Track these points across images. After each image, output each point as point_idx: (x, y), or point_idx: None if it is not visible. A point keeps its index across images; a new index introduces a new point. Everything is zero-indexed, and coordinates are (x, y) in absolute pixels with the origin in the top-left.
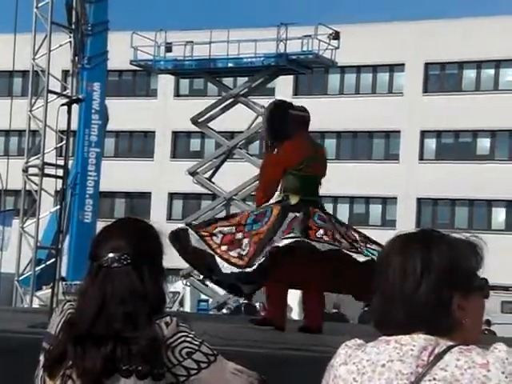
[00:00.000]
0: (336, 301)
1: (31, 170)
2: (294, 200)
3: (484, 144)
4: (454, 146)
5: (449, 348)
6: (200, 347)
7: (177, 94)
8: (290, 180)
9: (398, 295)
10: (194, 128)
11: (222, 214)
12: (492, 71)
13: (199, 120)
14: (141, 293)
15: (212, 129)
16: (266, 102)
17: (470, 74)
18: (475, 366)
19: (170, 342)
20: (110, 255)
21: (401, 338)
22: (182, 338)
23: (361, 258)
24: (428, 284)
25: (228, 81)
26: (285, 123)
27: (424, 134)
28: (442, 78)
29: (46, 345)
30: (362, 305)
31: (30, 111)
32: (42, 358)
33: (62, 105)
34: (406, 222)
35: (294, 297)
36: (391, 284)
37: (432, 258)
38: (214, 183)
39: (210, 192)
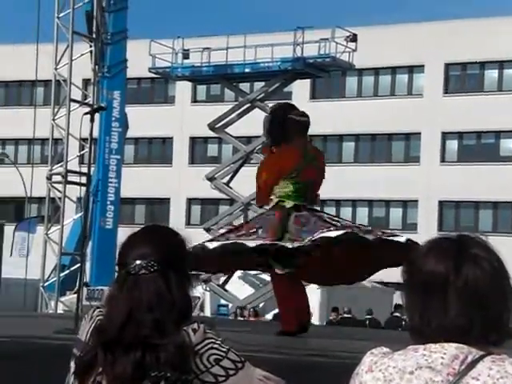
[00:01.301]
0: (369, 307)
1: (54, 178)
2: (288, 205)
3: (507, 145)
4: (477, 147)
5: (481, 357)
6: (228, 354)
7: (194, 100)
8: (284, 186)
9: (443, 303)
10: (211, 134)
11: (240, 219)
12: None
13: (216, 125)
14: (168, 299)
15: (229, 134)
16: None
17: (491, 74)
18: (508, 376)
19: (198, 349)
20: (137, 262)
21: (430, 346)
22: (210, 345)
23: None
24: (478, 290)
25: (245, 86)
26: (284, 127)
27: (445, 135)
28: (462, 78)
29: (77, 351)
30: (391, 310)
31: (53, 120)
32: (72, 364)
33: (86, 113)
34: (428, 226)
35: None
36: (432, 290)
37: (479, 259)
38: (231, 188)
39: (227, 197)
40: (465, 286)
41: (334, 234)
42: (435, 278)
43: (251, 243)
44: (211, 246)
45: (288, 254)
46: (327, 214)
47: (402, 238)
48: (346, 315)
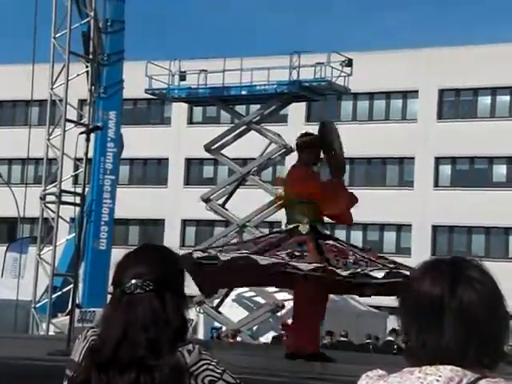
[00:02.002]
0: (362, 331)
1: (48, 198)
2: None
3: (500, 171)
4: (470, 172)
5: (476, 380)
6: (222, 375)
7: (190, 122)
8: (312, 209)
9: (439, 326)
10: (207, 155)
11: (235, 242)
12: (507, 97)
13: (212, 147)
14: (163, 319)
15: (225, 156)
16: (278, 128)
17: (484, 101)
18: None
19: (193, 370)
20: (133, 281)
21: (426, 368)
22: (205, 366)
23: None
24: (474, 314)
25: (241, 108)
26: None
27: (439, 160)
28: (456, 104)
29: (70, 372)
30: (385, 334)
31: (48, 140)
32: None
33: (81, 133)
34: (421, 250)
35: None
36: (428, 313)
37: (474, 282)
38: (227, 210)
39: (223, 219)
40: (460, 308)
41: (379, 275)
42: (430, 300)
43: (304, 266)
44: (261, 261)
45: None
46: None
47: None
48: (342, 339)
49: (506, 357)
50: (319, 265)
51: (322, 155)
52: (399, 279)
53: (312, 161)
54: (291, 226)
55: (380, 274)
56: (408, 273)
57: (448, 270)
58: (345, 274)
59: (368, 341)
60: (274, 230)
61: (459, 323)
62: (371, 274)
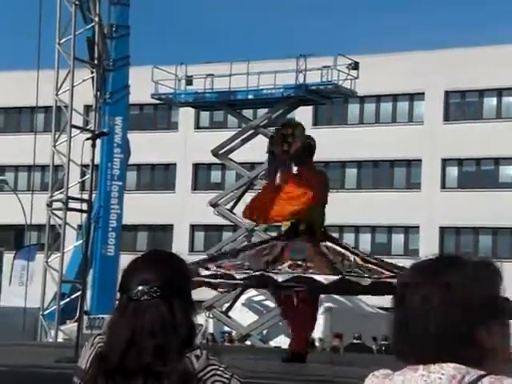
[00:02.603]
0: (363, 330)
1: (55, 205)
2: (318, 232)
3: (506, 171)
4: (476, 173)
5: (479, 377)
6: (231, 381)
7: (197, 127)
8: (314, 211)
9: (418, 327)
10: (214, 160)
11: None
12: None
13: (220, 152)
14: (171, 325)
15: (233, 160)
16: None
17: (490, 102)
18: None
19: (201, 376)
20: (140, 288)
21: (429, 367)
22: (213, 372)
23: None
24: (447, 314)
25: (248, 112)
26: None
27: (445, 162)
28: (462, 106)
29: (77, 379)
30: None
31: (54, 146)
32: None
33: (87, 139)
34: (429, 251)
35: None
36: (410, 315)
37: (450, 287)
38: (235, 214)
39: (231, 223)
40: (438, 307)
41: (326, 280)
42: (411, 302)
43: (280, 277)
44: (280, 278)
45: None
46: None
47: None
48: (355, 341)
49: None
50: (295, 274)
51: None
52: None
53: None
54: (286, 227)
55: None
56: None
57: (433, 272)
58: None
59: (383, 342)
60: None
61: (450, 324)
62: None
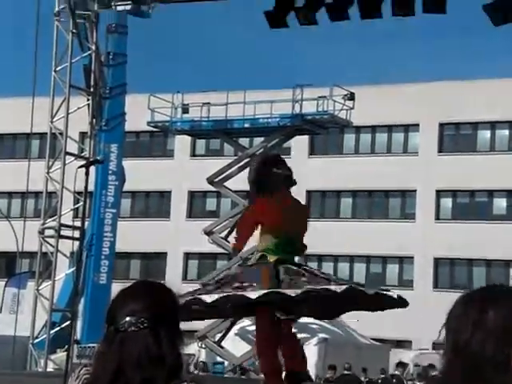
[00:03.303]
0: (357, 361)
1: (47, 232)
2: (271, 259)
3: (500, 204)
4: (470, 205)
5: None
6: None
7: (193, 154)
8: (266, 240)
9: (457, 353)
10: (210, 188)
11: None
12: (507, 132)
13: (215, 180)
14: (158, 357)
15: (228, 188)
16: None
17: (484, 135)
18: None
19: None
20: (127, 319)
21: None
22: None
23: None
24: (484, 342)
25: (244, 141)
26: (266, 180)
27: (440, 193)
28: (456, 138)
29: None
30: (387, 367)
31: (48, 173)
32: None
33: (80, 166)
34: (424, 282)
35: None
36: (451, 342)
37: (487, 316)
38: (229, 243)
39: (225, 251)
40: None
41: (338, 289)
42: (455, 330)
43: (252, 295)
44: (209, 299)
45: (290, 302)
46: (314, 268)
47: (394, 294)
48: (346, 372)
49: None
50: (267, 290)
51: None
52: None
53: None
54: (259, 256)
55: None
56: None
57: (474, 301)
58: (293, 295)
59: (381, 376)
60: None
61: (486, 351)
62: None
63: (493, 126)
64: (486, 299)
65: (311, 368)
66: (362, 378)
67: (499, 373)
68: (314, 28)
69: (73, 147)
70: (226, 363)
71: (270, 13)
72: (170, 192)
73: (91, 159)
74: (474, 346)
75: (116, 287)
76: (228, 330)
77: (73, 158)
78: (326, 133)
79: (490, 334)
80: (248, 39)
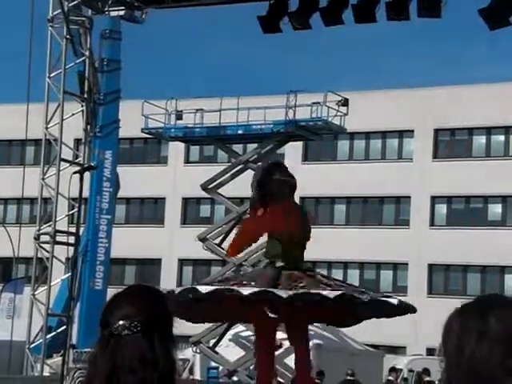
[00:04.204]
0: (351, 367)
1: (43, 238)
2: (278, 264)
3: (495, 210)
4: (465, 211)
5: None
6: None
7: (187, 161)
8: (274, 246)
9: (459, 366)
10: (203, 194)
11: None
12: (502, 137)
13: (209, 186)
14: (151, 361)
15: (222, 195)
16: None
17: (479, 140)
18: None
19: None
20: (121, 323)
21: None
22: None
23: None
24: (492, 350)
25: (238, 147)
26: (270, 188)
27: (434, 199)
28: (451, 143)
29: None
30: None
31: (43, 179)
32: None
33: (75, 172)
34: (418, 288)
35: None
36: (451, 354)
37: (490, 325)
38: (223, 249)
39: (219, 258)
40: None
41: (331, 294)
42: (455, 342)
43: (245, 291)
44: (203, 290)
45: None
46: (320, 273)
47: (394, 300)
48: (349, 377)
49: None
50: (296, 291)
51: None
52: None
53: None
54: (267, 262)
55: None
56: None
57: (473, 312)
58: (332, 296)
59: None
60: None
61: (486, 363)
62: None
63: (488, 131)
64: (485, 309)
65: None
66: None
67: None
68: (307, 33)
69: (67, 153)
70: (221, 368)
71: (264, 18)
72: (164, 198)
73: (85, 165)
74: (481, 356)
75: (111, 293)
76: (222, 335)
77: (67, 165)
78: (320, 139)
79: (495, 342)
80: (241, 45)
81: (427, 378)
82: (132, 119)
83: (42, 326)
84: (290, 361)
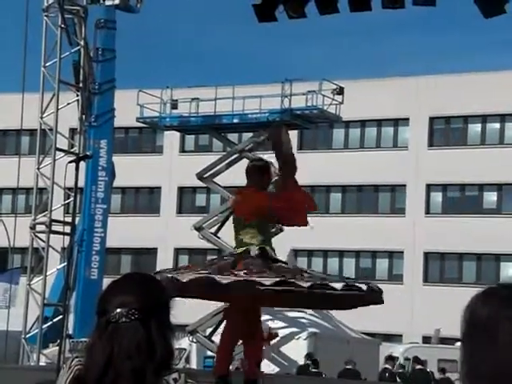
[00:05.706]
0: (349, 357)
1: (38, 228)
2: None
3: (490, 198)
4: (461, 199)
5: None
6: None
7: (182, 150)
8: (252, 233)
9: (495, 351)
10: (199, 183)
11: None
12: (497, 125)
13: (205, 175)
14: (148, 348)
15: (217, 184)
16: (271, 157)
17: (475, 128)
18: None
19: None
20: (118, 310)
21: None
22: None
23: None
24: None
25: (233, 136)
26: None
27: (430, 187)
28: (447, 131)
29: None
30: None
31: (38, 169)
32: None
33: (70, 162)
34: (413, 277)
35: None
36: (480, 344)
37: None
38: (219, 238)
39: (215, 247)
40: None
41: (305, 284)
42: (481, 326)
43: (225, 280)
44: (183, 279)
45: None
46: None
47: (364, 286)
48: (347, 366)
49: None
50: (281, 278)
51: (272, 179)
52: (355, 292)
53: (262, 186)
54: (241, 250)
55: (338, 286)
56: (335, 285)
57: (497, 300)
58: (306, 285)
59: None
60: (223, 254)
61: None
62: (330, 284)
63: (484, 119)
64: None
65: (301, 363)
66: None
67: None
68: (302, 22)
69: (63, 143)
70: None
71: (259, 6)
72: (159, 188)
73: (81, 155)
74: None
75: (107, 283)
76: (219, 324)
77: (63, 154)
78: (315, 127)
79: None
80: (236, 34)
81: (418, 366)
82: (127, 108)
83: (38, 316)
84: (287, 349)
